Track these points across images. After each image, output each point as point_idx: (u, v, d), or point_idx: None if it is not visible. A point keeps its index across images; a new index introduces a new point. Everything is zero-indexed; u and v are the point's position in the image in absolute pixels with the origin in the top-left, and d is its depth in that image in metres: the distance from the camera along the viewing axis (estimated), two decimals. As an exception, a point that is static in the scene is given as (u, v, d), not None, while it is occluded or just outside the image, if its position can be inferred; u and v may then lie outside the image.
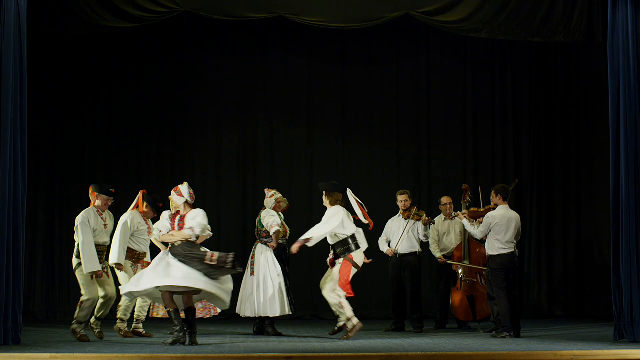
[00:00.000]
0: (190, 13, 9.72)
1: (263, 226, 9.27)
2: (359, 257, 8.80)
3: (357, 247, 8.79)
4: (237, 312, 9.33)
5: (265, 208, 9.45)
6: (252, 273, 9.21)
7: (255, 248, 9.36)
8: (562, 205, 12.25)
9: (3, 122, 7.76)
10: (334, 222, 8.69)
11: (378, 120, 12.30)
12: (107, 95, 11.98)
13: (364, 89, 12.28)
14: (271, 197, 9.48)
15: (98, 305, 8.49)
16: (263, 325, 9.26)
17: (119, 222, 8.83)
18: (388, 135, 12.28)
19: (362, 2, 9.93)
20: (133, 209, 8.95)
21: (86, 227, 8.35)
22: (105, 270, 8.52)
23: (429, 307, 10.75)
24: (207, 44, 12.00)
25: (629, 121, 8.42)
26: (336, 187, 8.98)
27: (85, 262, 8.26)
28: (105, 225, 8.59)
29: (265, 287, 9.09)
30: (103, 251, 8.58)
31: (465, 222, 9.15)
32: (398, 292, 9.91)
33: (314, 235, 8.69)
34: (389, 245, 9.94)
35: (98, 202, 8.58)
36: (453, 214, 9.67)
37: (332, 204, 8.87)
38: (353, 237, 8.77)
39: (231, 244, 11.65)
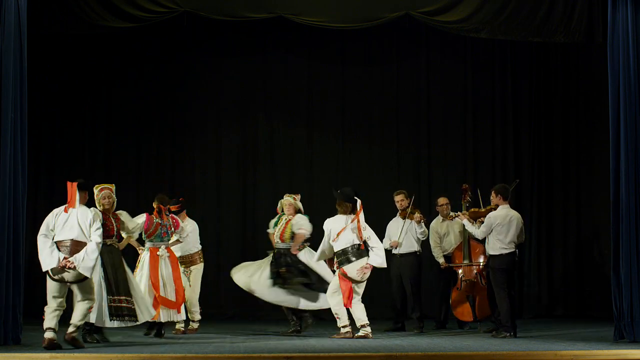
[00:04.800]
0: (190, 13, 9.72)
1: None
2: (351, 270, 8.65)
3: (349, 260, 8.62)
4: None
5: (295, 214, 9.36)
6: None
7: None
8: (562, 205, 12.25)
9: (3, 122, 7.75)
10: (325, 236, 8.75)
11: (378, 120, 12.30)
12: (107, 95, 11.98)
13: (364, 89, 12.28)
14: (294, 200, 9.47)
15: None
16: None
17: None
18: (388, 135, 12.28)
19: (362, 2, 9.93)
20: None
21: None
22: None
23: (429, 307, 10.74)
24: (207, 44, 11.99)
25: (629, 121, 8.41)
26: (347, 198, 8.77)
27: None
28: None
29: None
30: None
31: (466, 222, 9.15)
32: (398, 291, 9.90)
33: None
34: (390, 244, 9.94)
35: (86, 197, 7.83)
36: (453, 214, 9.65)
37: (339, 213, 8.78)
38: (345, 250, 8.61)
39: (231, 243, 11.66)
